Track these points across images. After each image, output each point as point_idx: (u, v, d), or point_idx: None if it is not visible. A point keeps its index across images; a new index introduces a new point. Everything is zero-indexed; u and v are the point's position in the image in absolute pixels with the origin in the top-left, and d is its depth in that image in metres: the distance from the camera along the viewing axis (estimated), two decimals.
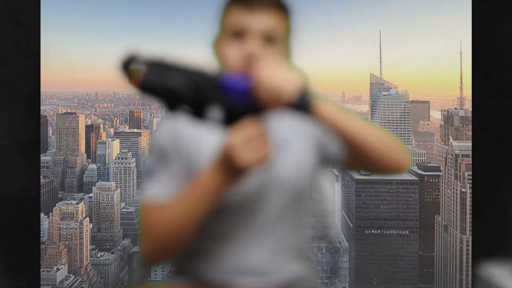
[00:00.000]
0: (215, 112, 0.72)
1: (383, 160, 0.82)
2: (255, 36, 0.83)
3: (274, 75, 0.71)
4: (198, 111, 0.73)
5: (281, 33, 0.86)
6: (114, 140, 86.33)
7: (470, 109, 1.41)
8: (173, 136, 0.89)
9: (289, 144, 0.87)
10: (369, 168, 0.85)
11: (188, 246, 0.83)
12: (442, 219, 56.96)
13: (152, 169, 0.88)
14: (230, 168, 0.74)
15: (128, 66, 0.69)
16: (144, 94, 0.70)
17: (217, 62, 0.89)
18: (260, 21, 0.84)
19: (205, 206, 0.78)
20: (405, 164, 0.84)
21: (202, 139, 0.89)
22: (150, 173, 0.88)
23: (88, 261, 59.74)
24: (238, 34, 0.84)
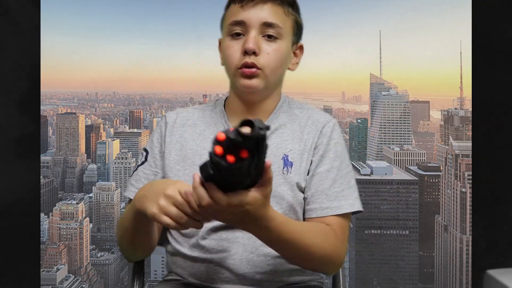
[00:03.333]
0: None
1: (312, 268, 0.84)
2: (253, 31, 0.82)
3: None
4: None
5: (284, 27, 0.85)
6: (114, 140, 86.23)
7: (470, 109, 1.40)
8: (168, 122, 0.93)
9: (292, 164, 0.86)
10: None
11: (148, 247, 0.86)
12: (442, 219, 56.86)
13: (138, 162, 0.91)
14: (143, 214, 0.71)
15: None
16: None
17: (223, 64, 0.89)
18: (258, 14, 0.83)
19: (135, 225, 0.78)
20: (334, 270, 0.84)
21: (198, 134, 0.90)
22: (135, 166, 0.92)
23: (88, 261, 59.64)
24: (238, 33, 0.84)
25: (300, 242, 0.72)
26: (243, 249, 0.83)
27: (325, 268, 0.81)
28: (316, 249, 0.75)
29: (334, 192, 0.84)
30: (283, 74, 0.90)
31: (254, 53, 0.82)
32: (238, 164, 0.51)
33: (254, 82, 0.83)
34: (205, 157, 0.64)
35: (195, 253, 0.86)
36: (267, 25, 0.83)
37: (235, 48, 0.84)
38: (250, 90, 0.84)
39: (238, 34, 0.84)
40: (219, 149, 0.51)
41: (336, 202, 0.83)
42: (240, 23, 0.83)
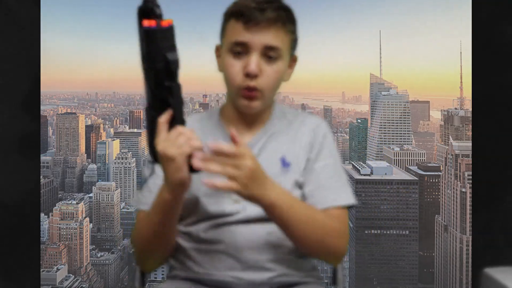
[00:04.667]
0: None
1: (314, 254, 0.86)
2: (255, 54, 0.84)
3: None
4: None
5: (284, 47, 0.87)
6: (114, 140, 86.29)
7: (470, 109, 1.41)
8: None
9: (289, 164, 0.89)
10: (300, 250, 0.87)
11: (167, 252, 0.89)
12: (442, 219, 56.95)
13: (146, 175, 0.92)
14: (166, 176, 0.74)
15: (149, 7, 0.68)
16: (148, 45, 0.68)
17: (221, 72, 0.90)
18: (261, 38, 0.84)
19: (162, 219, 0.80)
20: (337, 258, 0.89)
21: (197, 134, 0.91)
22: (143, 179, 0.93)
23: (88, 261, 59.73)
24: (239, 52, 0.85)
25: (310, 215, 0.80)
26: (246, 238, 0.85)
27: (330, 250, 0.84)
28: (322, 225, 0.82)
29: (331, 186, 0.89)
30: (279, 88, 0.92)
31: (256, 76, 0.84)
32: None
33: (254, 104, 0.86)
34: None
35: (197, 244, 0.88)
36: (269, 48, 0.84)
37: (236, 68, 0.85)
38: (249, 111, 0.89)
39: (239, 53, 0.85)
40: (147, 22, 0.66)
41: (334, 195, 0.89)
42: (243, 44, 0.84)
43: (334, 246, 0.84)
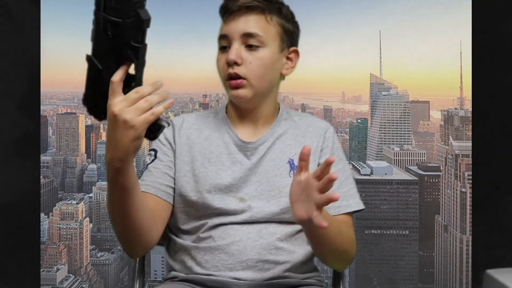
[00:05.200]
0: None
1: (330, 261, 0.87)
2: (235, 43, 0.86)
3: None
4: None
5: (267, 36, 0.87)
6: None
7: (470, 109, 1.41)
8: (176, 125, 0.95)
9: (295, 166, 0.89)
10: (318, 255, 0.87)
11: (147, 234, 0.81)
12: (442, 219, 56.91)
13: (146, 162, 0.91)
14: (117, 142, 0.65)
15: None
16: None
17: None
18: (238, 26, 0.86)
19: (118, 192, 0.72)
20: (349, 263, 0.89)
21: (204, 138, 0.91)
22: (144, 166, 0.91)
23: (88, 261, 59.68)
24: (224, 47, 0.88)
25: (337, 225, 0.80)
26: (247, 237, 0.85)
27: (343, 256, 0.85)
28: (345, 233, 0.82)
29: (343, 192, 0.90)
30: (274, 80, 0.92)
31: (236, 63, 0.85)
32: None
33: (241, 92, 0.86)
34: (213, 161, 0.88)
35: (199, 243, 0.87)
36: (247, 35, 0.86)
37: (222, 61, 0.88)
38: (239, 100, 0.89)
39: (224, 47, 0.88)
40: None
41: (345, 201, 0.89)
42: (225, 37, 0.87)
43: (347, 252, 0.85)
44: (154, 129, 0.66)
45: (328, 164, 0.64)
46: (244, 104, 0.91)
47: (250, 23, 0.87)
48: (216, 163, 0.89)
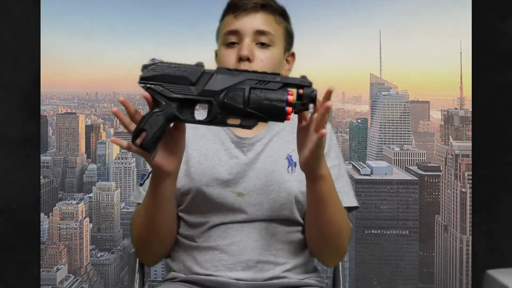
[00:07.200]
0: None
1: (326, 246, 0.86)
2: (247, 39, 0.86)
3: None
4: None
5: (276, 35, 0.89)
6: None
7: (470, 109, 1.41)
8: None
9: (296, 164, 0.89)
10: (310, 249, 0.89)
11: (166, 244, 0.87)
12: (442, 219, 56.90)
13: (148, 171, 0.91)
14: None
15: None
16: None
17: None
18: (251, 23, 0.87)
19: (155, 205, 0.79)
20: (341, 256, 0.90)
21: (200, 136, 0.91)
22: (142, 174, 0.93)
23: (88, 261, 59.67)
24: (232, 42, 0.88)
25: (339, 202, 0.82)
26: (248, 237, 0.85)
27: (338, 244, 0.85)
28: (343, 215, 0.84)
29: (337, 188, 0.89)
30: None
31: (248, 60, 0.85)
32: None
33: None
34: (209, 157, 0.88)
35: (199, 243, 0.87)
36: (259, 33, 0.87)
37: (230, 56, 0.87)
38: None
39: (232, 43, 0.88)
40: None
41: (339, 197, 0.89)
42: (234, 32, 0.87)
43: (343, 241, 0.85)
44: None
45: (327, 93, 0.68)
46: None
47: (263, 21, 0.87)
48: (213, 159, 0.89)
